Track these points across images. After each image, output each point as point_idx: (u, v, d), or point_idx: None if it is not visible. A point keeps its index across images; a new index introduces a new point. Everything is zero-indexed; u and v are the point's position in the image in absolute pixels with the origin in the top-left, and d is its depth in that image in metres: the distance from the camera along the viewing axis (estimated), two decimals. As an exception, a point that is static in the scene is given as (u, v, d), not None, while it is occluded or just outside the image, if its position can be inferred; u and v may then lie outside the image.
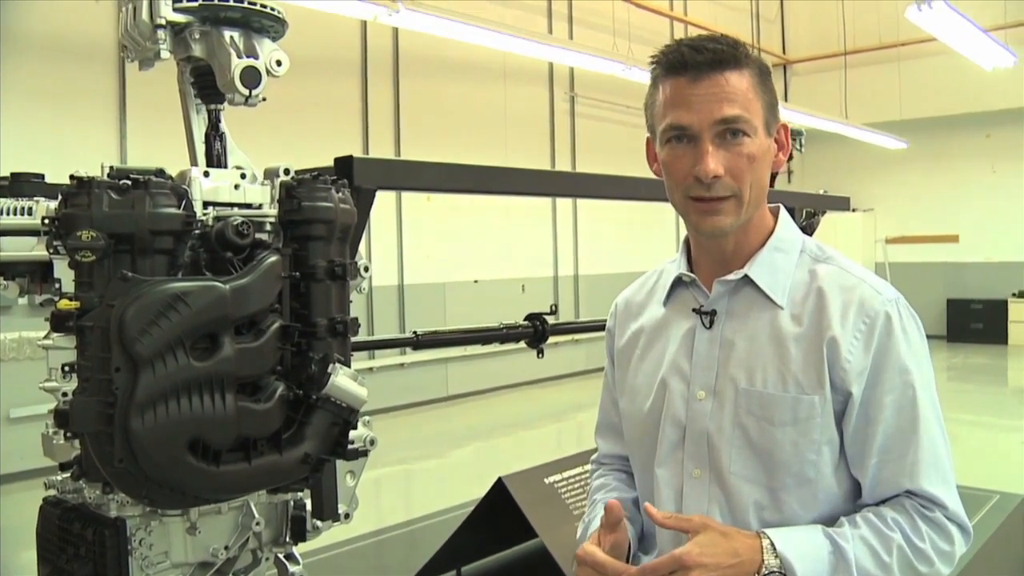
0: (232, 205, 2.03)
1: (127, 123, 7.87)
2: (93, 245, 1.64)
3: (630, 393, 1.69)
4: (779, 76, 16.82)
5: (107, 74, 7.79)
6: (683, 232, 1.67)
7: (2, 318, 6.99)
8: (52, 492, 2.20)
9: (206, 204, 1.99)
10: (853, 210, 15.32)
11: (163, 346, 1.67)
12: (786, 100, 15.45)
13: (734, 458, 1.50)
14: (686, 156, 1.48)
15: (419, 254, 10.75)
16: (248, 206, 2.06)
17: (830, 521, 1.48)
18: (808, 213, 5.11)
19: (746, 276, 1.54)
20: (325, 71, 9.56)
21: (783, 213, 1.63)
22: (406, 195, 10.15)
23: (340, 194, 2.12)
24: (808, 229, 5.11)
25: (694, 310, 1.59)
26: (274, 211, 2.06)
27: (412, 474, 8.02)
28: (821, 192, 5.55)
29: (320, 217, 2.04)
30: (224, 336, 1.76)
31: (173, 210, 1.80)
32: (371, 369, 9.96)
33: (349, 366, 2.15)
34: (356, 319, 2.18)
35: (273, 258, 1.89)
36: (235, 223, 1.89)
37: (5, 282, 2.11)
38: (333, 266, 2.07)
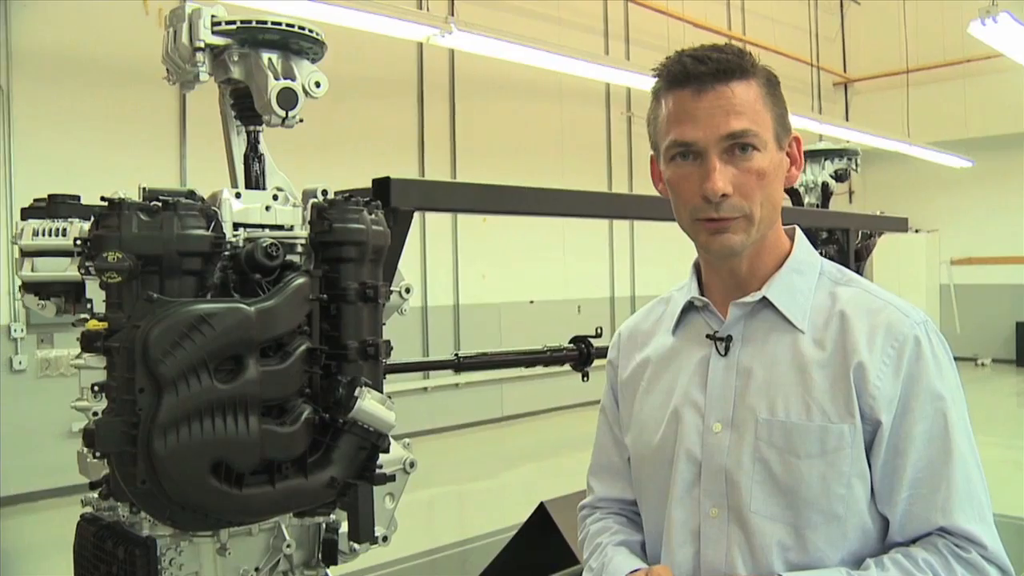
0: (263, 226, 2.04)
1: (187, 145, 8.02)
2: (119, 266, 1.65)
3: (636, 428, 1.58)
4: (840, 95, 16.57)
5: (168, 97, 7.95)
6: None
7: (64, 335, 7.18)
8: (88, 509, 2.23)
9: (237, 225, 2.00)
10: (916, 231, 14.97)
11: (187, 367, 1.67)
12: (847, 119, 15.20)
13: (755, 495, 1.38)
14: (693, 174, 1.39)
15: (475, 275, 10.76)
16: (280, 227, 2.07)
17: (859, 561, 1.37)
18: (864, 235, 4.98)
19: (764, 298, 1.44)
20: (382, 92, 9.67)
21: (800, 235, 1.53)
22: (462, 216, 10.19)
23: (373, 216, 2.11)
24: (864, 251, 5.00)
25: (708, 336, 1.48)
26: (305, 232, 2.06)
27: (465, 495, 7.99)
28: (878, 213, 5.39)
29: (351, 239, 2.04)
30: (249, 358, 1.76)
31: (201, 231, 1.81)
32: (425, 389, 9.97)
33: (381, 389, 2.13)
34: (388, 341, 2.16)
35: (300, 280, 1.88)
36: (264, 245, 1.89)
37: (42, 301, 2.14)
38: (365, 288, 2.06)
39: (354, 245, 2.04)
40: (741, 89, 1.38)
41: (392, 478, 2.11)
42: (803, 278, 1.47)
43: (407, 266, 9.32)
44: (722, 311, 1.49)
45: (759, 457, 1.39)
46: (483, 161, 10.46)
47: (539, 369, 3.51)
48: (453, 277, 10.61)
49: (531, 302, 11.32)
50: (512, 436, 10.54)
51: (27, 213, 2.19)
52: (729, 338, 1.47)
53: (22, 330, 7.20)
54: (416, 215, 9.30)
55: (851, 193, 15.52)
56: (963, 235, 15.62)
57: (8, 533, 6.93)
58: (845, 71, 16.41)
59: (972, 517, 1.34)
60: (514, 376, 10.53)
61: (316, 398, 1.94)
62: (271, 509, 1.88)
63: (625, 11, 12.42)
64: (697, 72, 1.39)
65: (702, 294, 1.54)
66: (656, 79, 1.48)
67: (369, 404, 1.92)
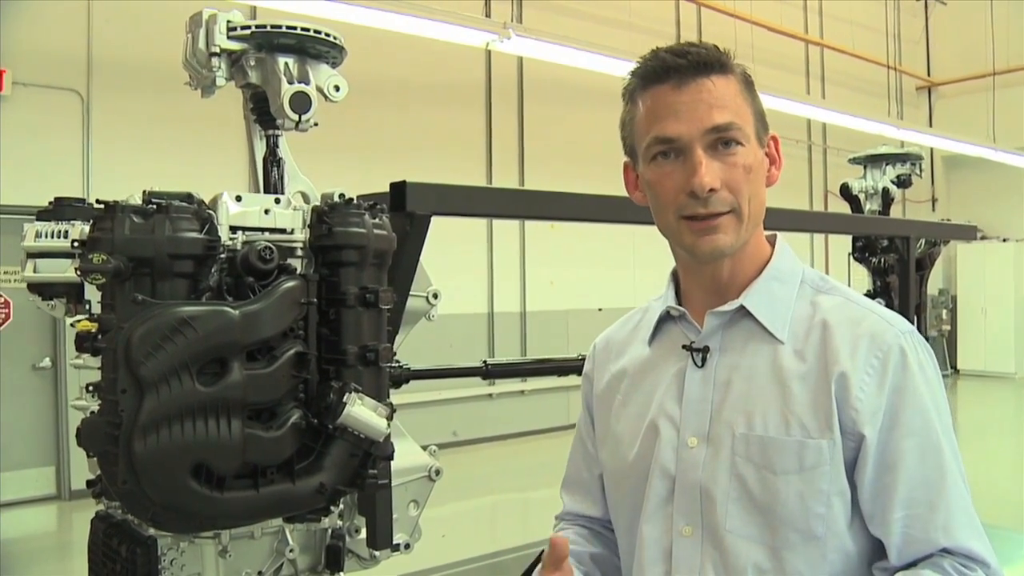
0: (262, 230, 2.03)
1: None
2: (102, 268, 1.66)
3: (612, 443, 1.52)
4: (923, 99, 16.05)
5: (236, 102, 8.10)
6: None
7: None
8: (101, 507, 2.26)
9: (234, 229, 1.99)
10: (1004, 240, 14.42)
11: (168, 369, 1.68)
12: (931, 125, 14.71)
13: (731, 513, 1.32)
14: (676, 172, 1.33)
15: (542, 281, 10.72)
16: (281, 231, 2.06)
17: None
18: (928, 243, 4.79)
19: (742, 307, 1.38)
20: (451, 98, 9.70)
21: (781, 243, 1.46)
22: (529, 221, 10.15)
23: (376, 219, 2.09)
24: (928, 260, 4.81)
25: (684, 347, 1.42)
26: (303, 236, 2.05)
27: (529, 502, 7.97)
28: (943, 220, 5.19)
29: (351, 243, 2.02)
30: (233, 361, 1.75)
31: (193, 234, 1.81)
32: (490, 396, 9.98)
33: (384, 395, 2.10)
34: (390, 347, 2.13)
35: (289, 284, 1.87)
36: (258, 248, 1.88)
37: (47, 302, 2.18)
38: (365, 293, 2.03)
39: (354, 249, 2.02)
40: (722, 83, 1.33)
41: (385, 486, 2.08)
42: (783, 286, 1.40)
43: (474, 271, 9.32)
44: (700, 320, 1.42)
45: (735, 473, 1.33)
46: (551, 167, 10.41)
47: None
48: (520, 283, 10.59)
49: (599, 309, 11.21)
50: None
51: (39, 216, 2.24)
52: (706, 349, 1.40)
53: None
54: (483, 221, 9.21)
55: (934, 200, 15.03)
56: (1054, 245, 14.95)
57: (80, 524, 7.17)
58: (929, 75, 15.88)
59: (972, 535, 1.28)
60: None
61: (309, 403, 1.92)
62: (255, 513, 1.87)
63: (698, 15, 12.26)
64: (676, 65, 1.33)
65: (679, 303, 1.48)
66: (629, 80, 1.42)
67: (358, 410, 1.89)
